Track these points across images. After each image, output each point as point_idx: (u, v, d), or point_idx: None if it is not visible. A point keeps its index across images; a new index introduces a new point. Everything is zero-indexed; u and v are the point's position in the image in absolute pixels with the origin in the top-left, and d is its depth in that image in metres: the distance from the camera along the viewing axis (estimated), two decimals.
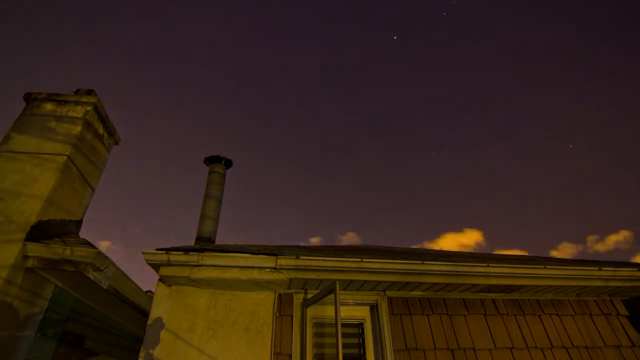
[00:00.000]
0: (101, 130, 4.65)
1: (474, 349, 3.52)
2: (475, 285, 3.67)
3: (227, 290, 3.46)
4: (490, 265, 3.59)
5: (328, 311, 3.52)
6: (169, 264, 3.19)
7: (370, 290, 3.68)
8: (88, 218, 4.48)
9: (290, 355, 3.24)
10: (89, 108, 4.33)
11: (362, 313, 3.71)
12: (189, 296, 3.38)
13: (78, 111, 4.28)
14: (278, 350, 3.25)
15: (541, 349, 3.61)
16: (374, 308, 3.69)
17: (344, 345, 3.43)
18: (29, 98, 4.23)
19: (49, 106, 4.24)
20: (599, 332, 3.80)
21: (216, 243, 5.50)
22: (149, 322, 3.20)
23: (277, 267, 3.30)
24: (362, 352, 3.50)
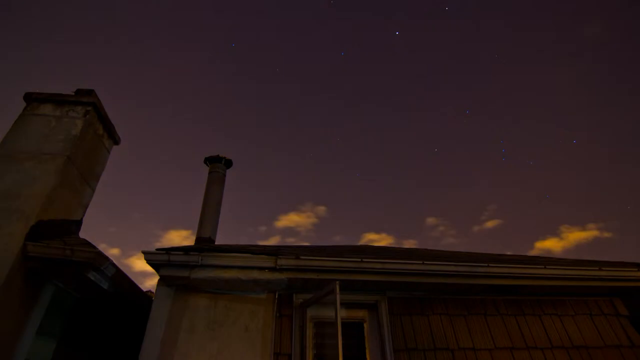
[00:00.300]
0: (101, 131, 4.65)
1: (474, 349, 3.52)
2: (475, 285, 3.67)
3: (227, 290, 3.46)
4: (490, 265, 3.59)
5: (328, 311, 3.52)
6: (169, 264, 3.19)
7: (371, 290, 3.68)
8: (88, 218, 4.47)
9: (290, 355, 3.24)
10: (89, 108, 4.33)
11: (362, 313, 3.71)
12: (189, 296, 3.38)
13: (78, 111, 4.28)
14: (278, 350, 3.25)
15: (541, 349, 3.61)
16: (374, 308, 3.69)
17: (344, 346, 3.43)
18: (29, 98, 4.23)
19: (49, 106, 4.24)
20: (599, 332, 3.80)
21: (216, 243, 5.50)
22: (149, 322, 3.20)
23: (277, 267, 3.31)
24: (362, 352, 3.50)
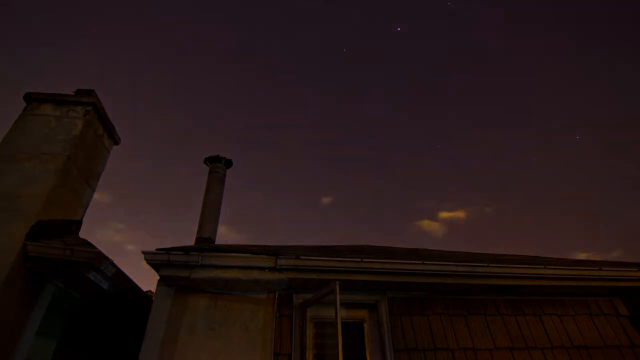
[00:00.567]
0: (101, 131, 4.65)
1: (474, 349, 3.51)
2: (475, 285, 3.67)
3: (227, 290, 3.46)
4: (490, 265, 3.59)
5: (328, 311, 3.52)
6: (169, 264, 3.19)
7: (371, 290, 3.68)
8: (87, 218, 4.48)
9: (290, 355, 3.24)
10: (89, 108, 4.33)
11: (362, 313, 3.70)
12: (189, 296, 3.38)
13: (78, 111, 4.28)
14: (278, 350, 3.25)
15: (541, 349, 3.61)
16: (374, 308, 3.69)
17: (344, 346, 3.42)
18: (29, 98, 4.23)
19: (49, 106, 4.24)
20: (599, 332, 3.80)
21: (216, 243, 5.50)
22: (149, 322, 3.20)
23: (277, 267, 3.31)
24: (362, 352, 3.50)
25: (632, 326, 3.92)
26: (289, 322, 3.42)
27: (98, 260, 3.28)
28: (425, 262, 3.49)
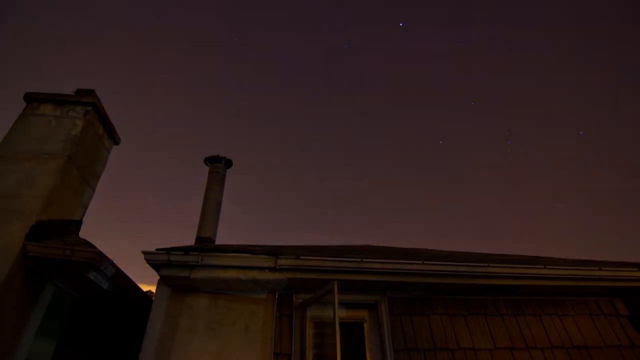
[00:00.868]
0: (101, 131, 4.65)
1: (474, 349, 3.51)
2: (475, 285, 3.67)
3: (227, 290, 3.46)
4: (490, 265, 3.59)
5: (328, 311, 3.52)
6: (169, 264, 3.19)
7: (371, 290, 3.68)
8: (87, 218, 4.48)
9: (290, 355, 3.24)
10: (89, 108, 4.33)
11: (362, 313, 3.70)
12: (189, 296, 3.38)
13: (78, 111, 4.28)
14: (278, 350, 3.25)
15: (541, 349, 3.61)
16: (374, 308, 3.69)
17: (344, 346, 3.43)
18: (29, 98, 4.23)
19: (49, 106, 4.24)
20: (599, 332, 3.80)
21: (216, 243, 5.50)
22: (149, 322, 3.20)
23: (277, 267, 3.31)
24: (362, 352, 3.50)
25: (632, 326, 3.92)
26: (289, 322, 3.42)
27: (98, 260, 3.28)
28: (425, 262, 3.49)
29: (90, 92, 4.42)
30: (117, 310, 4.65)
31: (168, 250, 3.21)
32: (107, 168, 4.83)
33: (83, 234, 4.27)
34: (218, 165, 6.17)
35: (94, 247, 3.40)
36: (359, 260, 3.40)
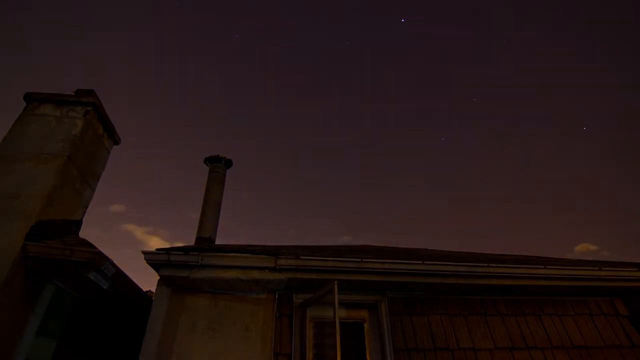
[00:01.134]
0: (101, 131, 4.65)
1: (474, 349, 3.51)
2: (475, 285, 3.67)
3: (227, 290, 3.46)
4: (490, 265, 3.59)
5: (328, 311, 3.52)
6: (169, 264, 3.19)
7: (371, 290, 3.68)
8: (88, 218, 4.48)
9: (290, 355, 3.24)
10: (89, 108, 4.33)
11: (362, 313, 3.71)
12: (189, 296, 3.38)
13: (78, 111, 4.28)
14: (278, 350, 3.25)
15: (541, 349, 3.60)
16: (374, 308, 3.69)
17: (344, 346, 3.43)
18: (29, 98, 4.23)
19: (49, 106, 4.24)
20: (599, 332, 3.80)
21: (216, 243, 5.50)
22: (149, 322, 3.20)
23: (277, 267, 3.31)
24: (362, 352, 3.50)
25: (632, 326, 3.92)
26: (289, 322, 3.42)
27: (98, 260, 3.28)
28: (425, 262, 3.49)
29: (90, 92, 4.42)
30: (117, 310, 4.65)
31: (168, 250, 3.21)
32: (107, 168, 4.83)
33: (83, 234, 4.27)
34: (218, 165, 6.17)
35: (94, 247, 3.40)
36: (359, 260, 3.41)
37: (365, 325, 3.64)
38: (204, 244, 5.16)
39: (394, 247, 6.44)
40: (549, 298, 3.98)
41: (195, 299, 3.38)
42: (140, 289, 4.59)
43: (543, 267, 3.71)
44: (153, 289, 4.10)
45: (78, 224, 4.23)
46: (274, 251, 3.52)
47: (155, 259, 3.16)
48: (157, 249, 3.21)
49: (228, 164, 6.30)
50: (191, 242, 5.45)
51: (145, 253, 3.15)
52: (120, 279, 3.76)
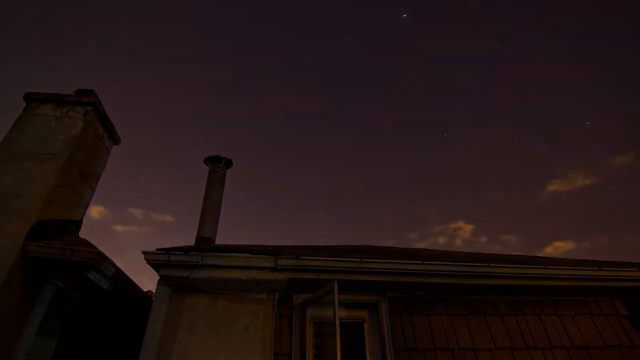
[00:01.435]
0: (101, 131, 4.66)
1: (474, 349, 3.51)
2: (475, 285, 3.67)
3: (227, 290, 3.46)
4: (490, 265, 3.59)
5: (328, 311, 3.52)
6: (169, 264, 3.19)
7: (371, 290, 3.68)
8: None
9: (290, 355, 3.24)
10: (89, 108, 4.33)
11: (362, 313, 3.71)
12: (189, 296, 3.38)
13: (78, 111, 4.28)
14: (278, 350, 3.25)
15: (541, 349, 3.60)
16: (374, 308, 3.69)
17: (344, 346, 3.43)
18: (29, 98, 4.23)
19: (49, 106, 4.24)
20: (599, 332, 3.80)
21: (216, 243, 5.50)
22: (149, 322, 3.20)
23: (277, 267, 3.31)
24: (362, 352, 3.50)
25: (632, 326, 3.92)
26: (289, 322, 3.42)
27: (98, 260, 3.28)
28: (425, 262, 3.49)
29: (90, 92, 4.42)
30: (117, 310, 4.65)
31: (168, 250, 3.20)
32: (106, 168, 4.83)
33: (83, 234, 4.27)
34: (218, 165, 6.16)
35: (94, 247, 3.40)
36: (359, 260, 3.40)
37: (365, 325, 3.64)
38: (204, 244, 5.16)
39: (394, 247, 6.45)
40: (549, 298, 3.98)
41: (195, 299, 3.38)
42: (140, 289, 4.59)
43: (543, 267, 3.71)
44: (153, 289, 4.11)
45: (78, 224, 4.23)
46: (274, 251, 3.52)
47: (155, 259, 3.16)
48: (157, 249, 3.21)
49: (228, 164, 6.30)
50: (191, 242, 5.45)
51: (145, 253, 3.14)
52: (120, 279, 3.76)
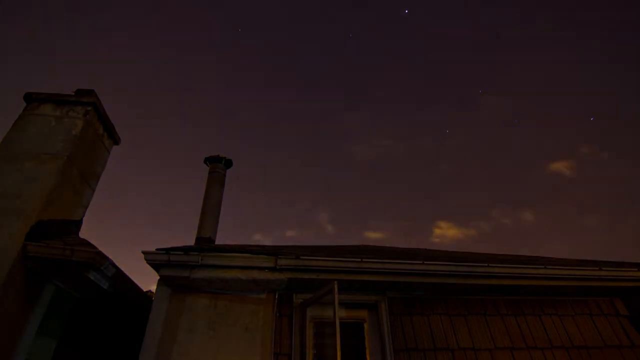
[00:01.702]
0: (101, 131, 4.66)
1: (474, 349, 3.51)
2: (475, 285, 3.67)
3: (227, 290, 3.46)
4: (490, 265, 3.59)
5: (328, 311, 3.52)
6: (169, 264, 3.19)
7: (371, 290, 3.68)
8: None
9: (290, 355, 3.24)
10: (89, 108, 4.33)
11: (362, 313, 3.71)
12: (189, 296, 3.38)
13: (78, 111, 4.28)
14: (278, 350, 3.25)
15: (541, 349, 3.60)
16: (374, 308, 3.69)
17: (344, 346, 3.43)
18: (29, 98, 4.23)
19: (49, 106, 4.24)
20: (599, 332, 3.80)
21: (216, 243, 5.50)
22: (149, 322, 3.20)
23: (277, 267, 3.31)
24: (362, 352, 3.50)
25: (632, 326, 3.92)
26: (289, 322, 3.42)
27: (98, 260, 3.28)
28: (425, 262, 3.49)
29: (90, 92, 4.42)
30: (117, 310, 4.65)
31: (168, 250, 3.21)
32: (106, 168, 4.83)
33: (83, 234, 4.27)
34: (218, 165, 6.16)
35: (94, 247, 3.40)
36: (359, 260, 3.40)
37: (365, 325, 3.64)
38: (204, 244, 5.16)
39: (394, 247, 6.45)
40: (549, 298, 3.98)
41: (195, 299, 3.38)
42: (140, 289, 4.59)
43: (543, 267, 3.71)
44: (153, 289, 4.11)
45: (78, 224, 4.23)
46: (274, 251, 3.52)
47: (155, 259, 3.16)
48: (157, 249, 3.21)
49: (228, 164, 6.30)
50: (191, 242, 5.45)
51: (145, 253, 3.14)
52: (120, 279, 3.76)
